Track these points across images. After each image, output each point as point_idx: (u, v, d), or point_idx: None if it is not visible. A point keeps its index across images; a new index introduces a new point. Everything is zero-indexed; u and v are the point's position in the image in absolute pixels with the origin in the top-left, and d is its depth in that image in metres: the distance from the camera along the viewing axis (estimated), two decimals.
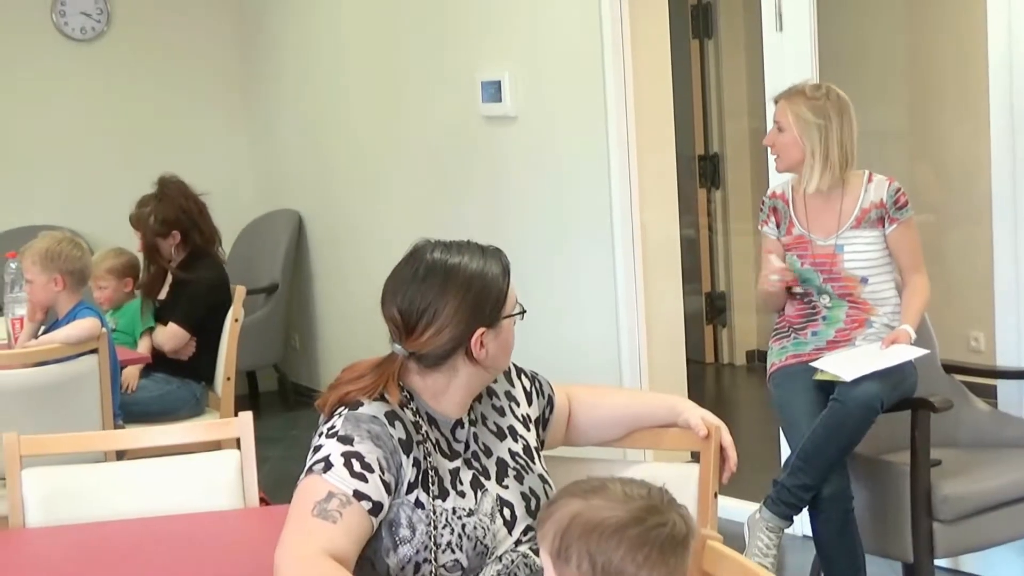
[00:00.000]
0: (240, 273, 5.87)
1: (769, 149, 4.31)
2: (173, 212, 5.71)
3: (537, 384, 2.80)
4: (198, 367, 5.67)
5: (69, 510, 3.07)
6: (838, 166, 4.13)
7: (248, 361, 6.64)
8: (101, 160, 7.87)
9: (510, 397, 2.72)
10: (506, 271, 2.56)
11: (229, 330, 5.58)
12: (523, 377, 2.78)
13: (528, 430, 2.71)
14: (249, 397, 7.88)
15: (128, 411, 5.15)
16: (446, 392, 2.55)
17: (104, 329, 4.82)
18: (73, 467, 3.32)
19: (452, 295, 2.49)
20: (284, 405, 7.96)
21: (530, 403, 2.75)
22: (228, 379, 5.56)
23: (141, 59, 7.97)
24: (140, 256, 5.83)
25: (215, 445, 3.68)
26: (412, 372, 2.55)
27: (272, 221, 7.98)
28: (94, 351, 4.73)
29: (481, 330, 2.51)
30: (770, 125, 4.43)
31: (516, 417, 2.70)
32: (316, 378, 8.02)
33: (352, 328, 7.45)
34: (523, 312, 2.60)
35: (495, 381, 2.70)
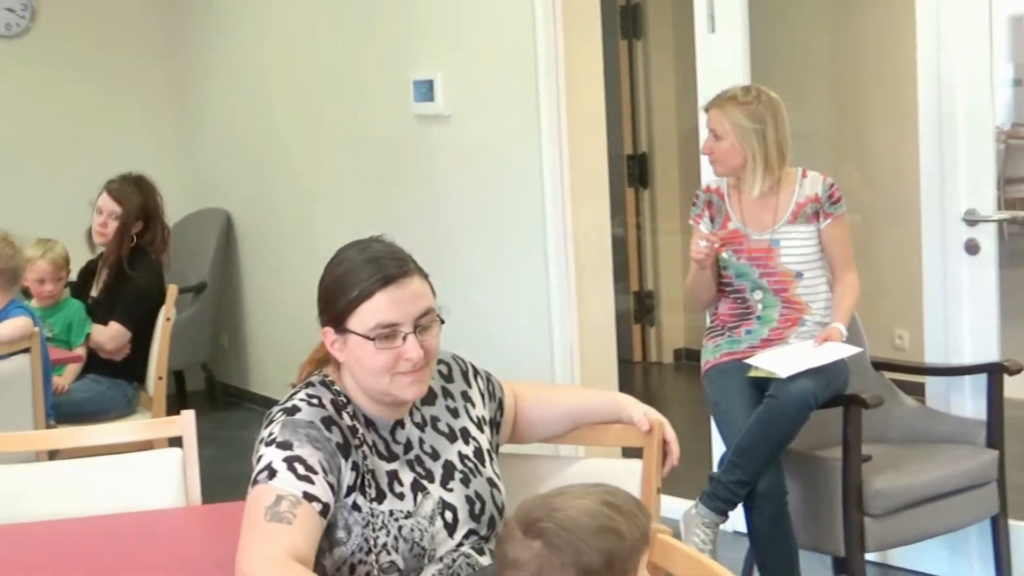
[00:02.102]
0: (168, 271, 5.83)
1: (708, 157, 4.33)
2: (149, 204, 5.69)
3: (491, 386, 2.79)
4: (129, 367, 5.61)
5: (8, 510, 3.02)
6: (777, 166, 4.18)
7: (176, 360, 6.59)
8: (25, 157, 7.76)
9: (466, 398, 2.71)
10: (375, 285, 2.43)
11: (161, 329, 5.54)
12: (479, 378, 2.77)
13: (482, 432, 2.70)
14: (177, 397, 7.82)
15: (59, 412, 5.10)
16: (359, 390, 2.54)
17: (36, 328, 4.77)
18: (10, 467, 3.27)
19: (320, 282, 2.53)
20: (212, 405, 7.90)
21: (484, 405, 2.75)
22: (160, 379, 5.52)
23: (67, 55, 7.87)
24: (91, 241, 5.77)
25: (147, 445, 3.65)
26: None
27: (201, 220, 7.93)
28: (26, 350, 4.68)
29: (327, 329, 2.51)
30: (702, 127, 4.47)
31: (471, 419, 2.69)
32: (245, 377, 7.98)
33: (282, 327, 7.42)
34: (375, 339, 2.43)
35: (451, 381, 2.70)
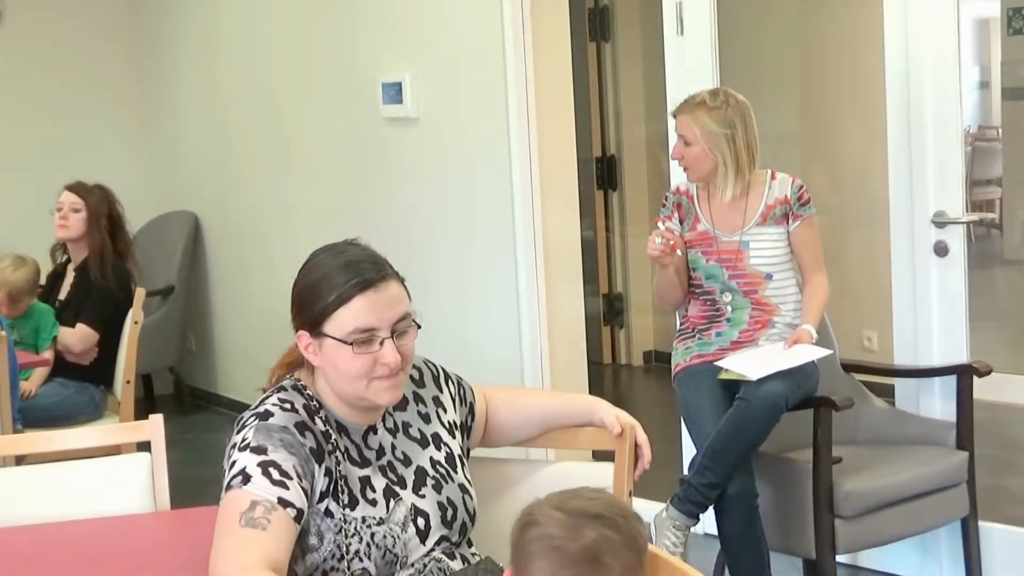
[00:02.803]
0: (138, 277, 5.81)
1: (678, 162, 4.33)
2: (112, 210, 5.69)
3: (462, 390, 2.78)
4: (97, 371, 5.58)
5: None
6: (747, 169, 4.19)
7: (144, 364, 6.57)
8: None
9: (438, 403, 2.70)
10: (353, 289, 2.42)
11: (129, 332, 5.51)
12: (450, 383, 2.76)
13: (453, 437, 2.69)
14: (145, 400, 7.79)
15: (26, 416, 5.07)
16: (332, 395, 2.52)
17: (2, 332, 4.74)
18: None
19: (294, 285, 2.51)
20: (180, 408, 7.86)
21: (456, 409, 2.73)
22: (128, 382, 5.49)
23: (32, 58, 7.82)
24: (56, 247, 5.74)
25: (115, 449, 3.63)
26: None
27: (168, 222, 7.90)
28: None
29: (302, 332, 2.49)
30: (671, 131, 4.47)
31: (442, 424, 2.68)
32: (213, 381, 7.95)
33: (249, 329, 7.40)
34: (354, 344, 2.42)
35: (423, 386, 2.69)
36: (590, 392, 5.54)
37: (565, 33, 5.71)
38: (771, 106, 4.29)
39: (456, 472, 2.65)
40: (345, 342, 2.43)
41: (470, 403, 2.78)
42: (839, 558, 4.23)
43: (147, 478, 3.13)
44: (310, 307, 2.46)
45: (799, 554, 4.29)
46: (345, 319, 2.43)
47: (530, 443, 2.91)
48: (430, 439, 2.65)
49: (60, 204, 5.65)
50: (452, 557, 2.57)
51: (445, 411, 2.71)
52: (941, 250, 4.52)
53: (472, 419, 2.78)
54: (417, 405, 2.67)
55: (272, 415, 2.45)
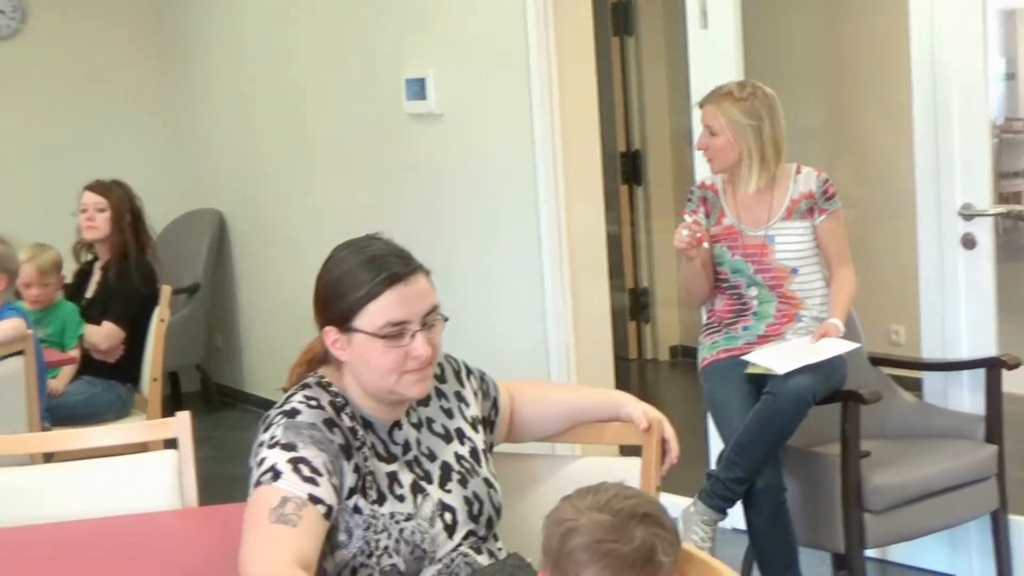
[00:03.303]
0: (161, 273, 5.82)
1: (702, 152, 4.31)
2: (133, 205, 5.70)
3: (485, 385, 2.78)
4: (123, 368, 5.60)
5: (5, 513, 3.01)
6: (773, 162, 4.17)
7: (170, 361, 6.58)
8: (15, 159, 7.75)
9: (460, 398, 2.70)
10: (383, 283, 2.42)
11: (155, 330, 5.52)
12: (471, 377, 2.76)
13: (476, 432, 2.69)
14: (172, 398, 7.81)
15: (54, 414, 5.09)
16: (359, 391, 2.52)
17: (30, 330, 4.75)
18: (7, 470, 3.27)
19: (318, 282, 2.51)
20: (207, 406, 7.88)
21: (478, 404, 2.73)
22: (155, 380, 5.51)
23: (57, 57, 7.86)
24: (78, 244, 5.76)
25: (142, 447, 3.64)
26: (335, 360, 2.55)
27: (193, 220, 7.92)
28: (20, 353, 4.66)
29: (329, 328, 2.49)
30: (695, 123, 4.45)
31: (465, 419, 2.68)
32: (239, 378, 7.97)
33: (276, 326, 7.41)
34: (386, 337, 2.43)
35: (444, 381, 2.68)
36: (616, 387, 5.54)
37: (588, 28, 5.70)
38: (796, 99, 4.26)
39: (480, 467, 2.65)
40: (377, 336, 2.43)
41: (493, 398, 2.78)
42: (868, 552, 4.20)
43: (174, 475, 3.13)
44: (337, 303, 2.46)
45: (828, 548, 4.28)
46: (376, 313, 2.43)
47: (556, 438, 2.91)
48: (453, 434, 2.65)
49: (84, 205, 5.65)
50: (479, 552, 2.57)
51: (467, 406, 2.70)
52: (968, 243, 4.50)
53: (496, 414, 2.78)
54: (439, 400, 2.66)
55: (299, 412, 2.45)
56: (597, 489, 2.01)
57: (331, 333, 2.49)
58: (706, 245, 4.20)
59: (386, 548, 2.45)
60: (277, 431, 2.42)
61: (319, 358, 2.58)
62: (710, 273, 4.29)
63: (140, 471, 3.18)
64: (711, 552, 4.01)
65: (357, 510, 2.44)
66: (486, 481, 2.63)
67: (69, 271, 5.83)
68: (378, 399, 2.52)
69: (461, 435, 2.66)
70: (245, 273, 7.82)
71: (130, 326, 5.56)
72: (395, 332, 2.43)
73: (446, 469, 2.59)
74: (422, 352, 2.44)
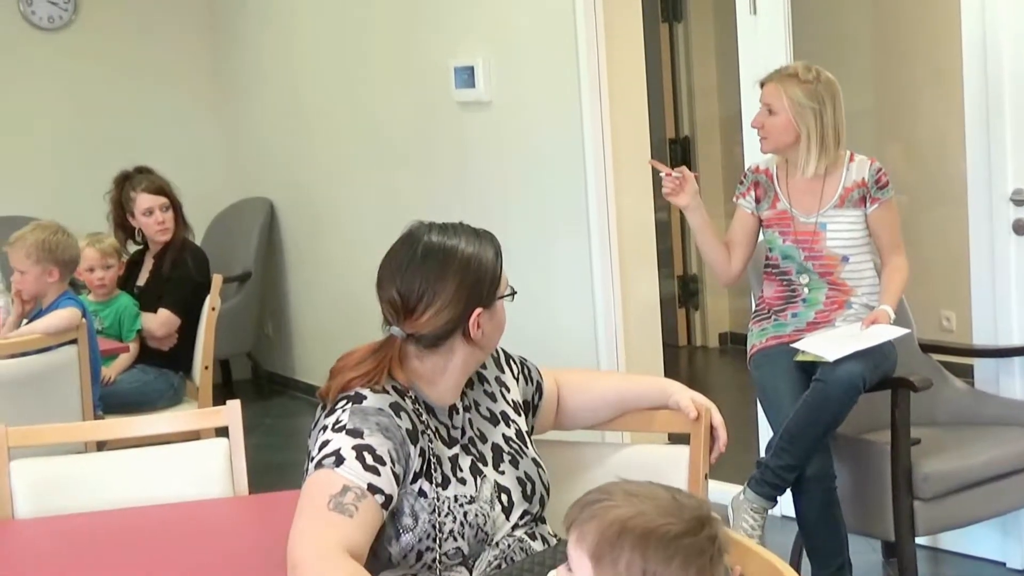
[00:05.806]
0: (212, 262, 5.84)
1: (757, 131, 4.28)
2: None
3: (526, 370, 2.80)
4: (175, 357, 5.63)
5: (60, 501, 3.04)
6: (832, 149, 4.14)
7: (221, 350, 6.63)
8: (69, 149, 7.82)
9: (500, 383, 2.72)
10: (498, 253, 2.59)
11: (206, 318, 5.55)
12: (512, 362, 2.78)
13: (519, 415, 2.71)
14: (223, 386, 7.87)
15: (106, 403, 5.13)
16: (443, 374, 2.54)
17: (84, 319, 4.79)
18: (61, 458, 3.31)
19: (451, 276, 2.50)
20: (258, 393, 7.94)
21: (519, 388, 2.75)
22: (206, 368, 5.54)
23: (109, 48, 7.93)
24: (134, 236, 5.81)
25: (194, 435, 3.67)
26: (410, 355, 2.54)
27: (244, 209, 7.96)
28: (74, 341, 4.70)
29: (478, 311, 2.52)
30: (746, 107, 4.44)
31: (507, 402, 2.70)
32: (290, 366, 8.01)
33: (326, 315, 7.45)
34: (514, 293, 2.62)
35: (484, 367, 2.70)
36: (665, 374, 5.55)
37: (637, 14, 5.70)
38: (846, 83, 4.22)
39: (527, 448, 2.67)
40: (505, 296, 2.61)
41: (536, 382, 2.80)
42: (918, 540, 4.19)
43: (225, 463, 3.16)
44: (481, 285, 2.54)
45: (878, 536, 4.26)
46: (503, 278, 2.60)
47: (604, 426, 2.92)
48: (499, 416, 2.67)
49: (148, 208, 5.64)
50: (533, 538, 2.59)
51: (508, 390, 2.73)
52: (1020, 228, 4.46)
53: (540, 398, 2.80)
54: (483, 385, 2.69)
55: (365, 398, 2.46)
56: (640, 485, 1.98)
57: (480, 315, 2.53)
58: (694, 186, 4.20)
59: (451, 531, 2.47)
60: (343, 416, 2.43)
61: (382, 368, 2.51)
62: (719, 235, 4.33)
63: (191, 459, 3.20)
64: (760, 540, 4.01)
65: (423, 494, 2.46)
66: (535, 461, 2.66)
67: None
68: (466, 372, 2.59)
69: (506, 418, 2.68)
70: (295, 261, 7.86)
71: (184, 314, 5.60)
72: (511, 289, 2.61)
73: (497, 451, 2.61)
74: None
